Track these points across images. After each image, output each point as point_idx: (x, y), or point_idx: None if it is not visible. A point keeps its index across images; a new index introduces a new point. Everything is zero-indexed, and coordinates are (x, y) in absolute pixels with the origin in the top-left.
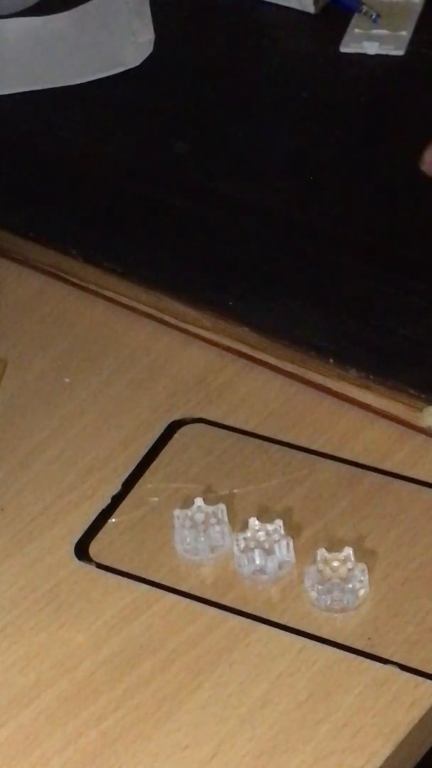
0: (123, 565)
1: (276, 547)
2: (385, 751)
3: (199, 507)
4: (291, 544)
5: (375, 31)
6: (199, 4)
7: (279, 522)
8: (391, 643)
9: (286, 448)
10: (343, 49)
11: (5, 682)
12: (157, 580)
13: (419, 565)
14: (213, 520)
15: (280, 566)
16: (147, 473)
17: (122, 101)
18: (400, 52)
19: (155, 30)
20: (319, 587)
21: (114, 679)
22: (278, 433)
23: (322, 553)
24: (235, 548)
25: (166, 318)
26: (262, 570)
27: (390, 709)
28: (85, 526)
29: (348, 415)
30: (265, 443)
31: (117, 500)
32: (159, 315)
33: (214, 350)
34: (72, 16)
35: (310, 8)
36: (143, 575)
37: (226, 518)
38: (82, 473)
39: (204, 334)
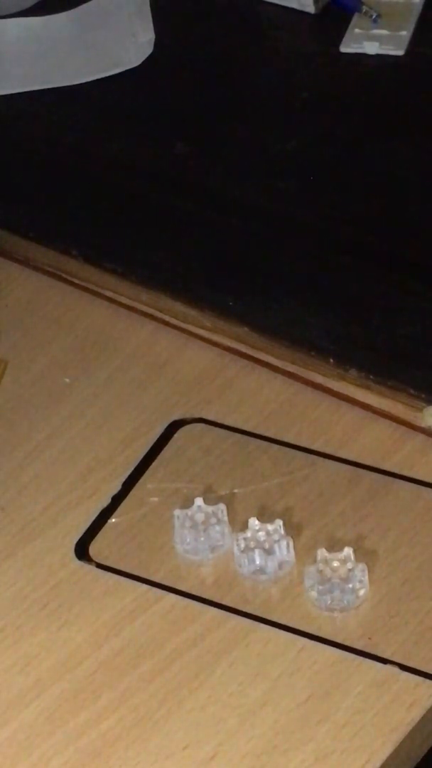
0: (123, 565)
1: (276, 547)
2: (385, 751)
3: (199, 507)
4: (291, 544)
5: (375, 31)
6: (199, 4)
7: (279, 522)
8: (391, 643)
9: (286, 448)
10: (343, 49)
11: (5, 682)
12: (157, 580)
13: (419, 565)
14: (213, 520)
15: (280, 566)
16: (147, 473)
17: (122, 101)
18: (400, 52)
19: (155, 30)
20: (319, 587)
21: (114, 679)
22: (278, 433)
23: (322, 553)
24: (235, 548)
25: (166, 318)
26: (262, 570)
27: (390, 709)
28: (85, 526)
29: (348, 415)
30: (265, 443)
31: (117, 500)
32: (159, 315)
33: (214, 350)
34: (72, 16)
35: (310, 8)
36: (143, 575)
37: (226, 518)
38: (82, 473)
39: (204, 334)
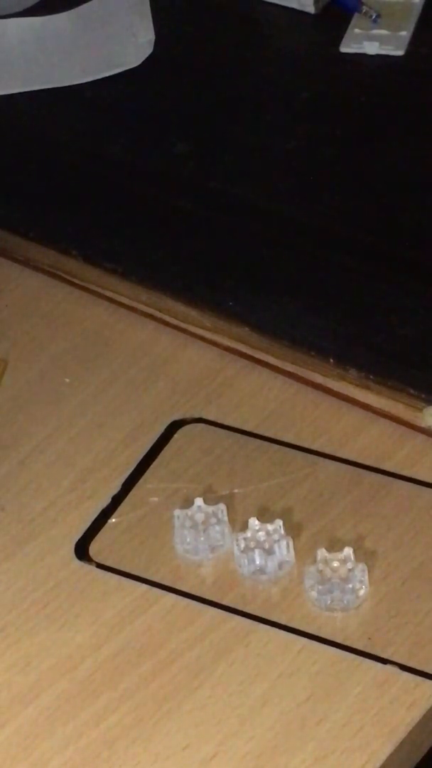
0: (123, 565)
1: (276, 547)
2: (385, 751)
3: (199, 507)
4: (291, 544)
5: (375, 31)
6: (199, 4)
7: (279, 522)
8: (391, 643)
9: (286, 448)
10: (343, 49)
11: (5, 682)
12: (157, 580)
13: (419, 565)
14: (213, 520)
15: (280, 566)
16: (147, 473)
17: (122, 101)
18: (400, 52)
19: (155, 30)
20: (319, 587)
21: (114, 679)
22: (278, 433)
23: (322, 553)
24: (235, 548)
25: (166, 318)
26: (262, 570)
27: (390, 709)
28: (85, 526)
29: (348, 415)
30: (265, 443)
31: (117, 500)
32: (159, 315)
33: (214, 350)
34: (72, 16)
35: (310, 8)
36: (143, 575)
37: (226, 518)
38: (82, 473)
39: (204, 334)
